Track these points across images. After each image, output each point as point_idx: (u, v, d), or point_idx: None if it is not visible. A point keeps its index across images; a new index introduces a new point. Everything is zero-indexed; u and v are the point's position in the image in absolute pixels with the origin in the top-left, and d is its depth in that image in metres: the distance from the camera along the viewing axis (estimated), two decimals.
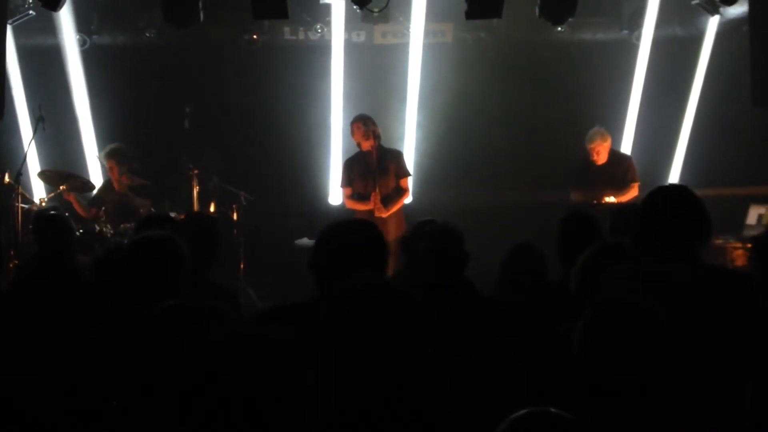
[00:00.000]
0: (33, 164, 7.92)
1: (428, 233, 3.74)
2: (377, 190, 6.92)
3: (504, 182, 8.49)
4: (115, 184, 7.54)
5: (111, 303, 3.28)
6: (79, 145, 8.39)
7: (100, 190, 7.68)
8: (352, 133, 7.11)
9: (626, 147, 8.26)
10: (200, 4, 6.86)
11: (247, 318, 3.70)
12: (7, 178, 6.96)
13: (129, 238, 4.52)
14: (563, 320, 2.79)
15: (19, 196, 6.89)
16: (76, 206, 7.39)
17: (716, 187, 6.61)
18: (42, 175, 7.59)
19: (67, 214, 5.64)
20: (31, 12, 7.80)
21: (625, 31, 8.42)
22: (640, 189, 7.19)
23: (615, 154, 7.51)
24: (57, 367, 2.44)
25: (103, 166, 7.92)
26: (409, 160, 7.95)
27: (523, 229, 6.15)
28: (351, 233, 2.76)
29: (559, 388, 2.21)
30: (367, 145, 7.01)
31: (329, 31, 8.34)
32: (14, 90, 8.04)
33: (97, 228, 6.94)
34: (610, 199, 7.04)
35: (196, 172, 7.54)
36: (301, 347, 1.75)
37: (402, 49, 8.45)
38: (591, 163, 7.35)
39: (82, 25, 8.28)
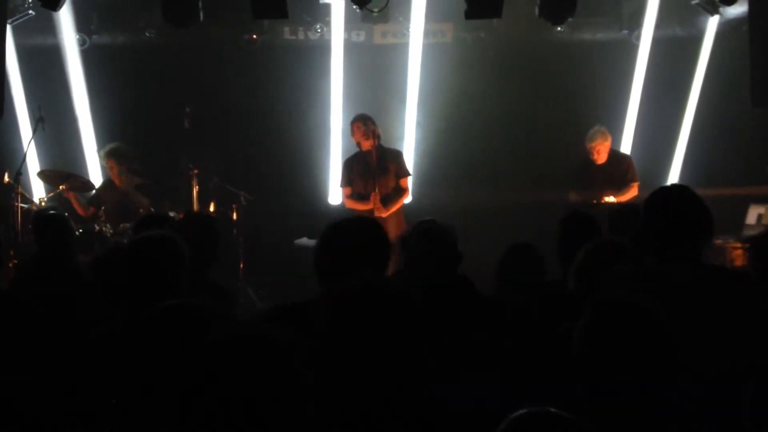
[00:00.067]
0: (33, 164, 7.92)
1: (422, 233, 3.74)
2: (377, 190, 6.92)
3: (504, 182, 8.49)
4: (117, 182, 7.54)
5: (111, 303, 3.28)
6: (78, 145, 8.39)
7: (99, 189, 7.68)
8: (352, 132, 7.11)
9: (626, 147, 8.26)
10: (200, 4, 6.87)
11: (248, 318, 3.70)
12: (6, 178, 6.95)
13: (128, 238, 4.53)
14: (562, 320, 2.79)
15: (19, 196, 6.89)
16: (75, 204, 7.40)
17: (716, 187, 6.61)
18: (42, 174, 7.59)
19: (66, 214, 5.62)
20: (30, 12, 7.80)
21: (625, 31, 8.42)
22: (640, 189, 7.20)
23: (615, 154, 7.51)
24: (57, 367, 2.43)
25: (102, 166, 7.92)
26: (409, 159, 7.95)
27: (523, 229, 6.15)
28: (354, 232, 2.76)
29: (559, 388, 2.21)
30: (366, 145, 7.01)
31: (329, 30, 8.34)
32: (14, 90, 8.04)
33: (97, 228, 6.94)
34: (610, 198, 7.04)
35: (195, 171, 7.53)
36: (301, 347, 1.74)
37: (402, 48, 8.45)
38: (591, 163, 7.35)
39: (82, 25, 8.28)
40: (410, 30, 8.29)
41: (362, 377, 1.97)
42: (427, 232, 3.85)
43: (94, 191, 7.64)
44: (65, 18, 8.07)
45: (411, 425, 1.97)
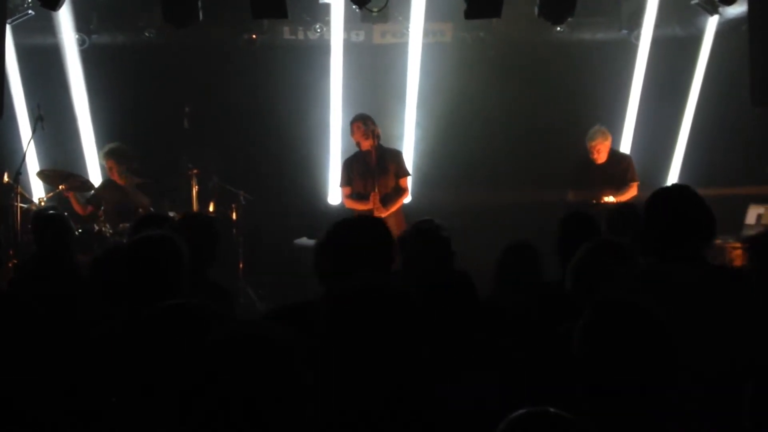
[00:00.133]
0: (32, 164, 7.92)
1: (419, 233, 3.75)
2: (376, 190, 6.92)
3: (503, 182, 8.49)
4: (117, 181, 7.55)
5: (111, 303, 3.28)
6: (78, 145, 8.39)
7: (98, 188, 7.68)
8: (352, 132, 7.11)
9: (625, 146, 8.27)
10: (199, 4, 6.87)
11: (248, 318, 3.70)
12: (6, 178, 6.95)
13: (127, 238, 4.53)
14: (562, 320, 2.79)
15: (18, 196, 6.89)
16: (73, 203, 7.41)
17: (715, 187, 6.60)
18: (41, 174, 7.59)
19: (66, 213, 5.62)
20: (30, 12, 7.80)
21: (625, 31, 8.42)
22: (640, 189, 7.20)
23: (614, 154, 7.51)
24: (57, 367, 2.43)
25: (102, 166, 7.92)
26: (409, 159, 7.96)
27: (522, 229, 6.14)
28: (361, 231, 2.76)
29: (559, 388, 2.21)
30: (366, 145, 7.01)
31: (328, 30, 8.34)
32: (13, 89, 8.04)
33: (96, 228, 6.94)
34: (609, 198, 7.04)
35: (195, 171, 7.53)
36: (301, 347, 1.75)
37: (401, 48, 8.45)
38: (591, 162, 7.35)
39: (82, 25, 8.27)
40: (410, 30, 8.29)
41: (362, 377, 1.97)
42: (424, 232, 3.86)
43: (93, 191, 7.64)
44: (65, 18, 8.06)
45: (411, 425, 1.97)
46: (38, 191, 8.13)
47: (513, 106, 8.45)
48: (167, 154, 8.09)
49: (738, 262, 6.75)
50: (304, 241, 7.76)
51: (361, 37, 8.64)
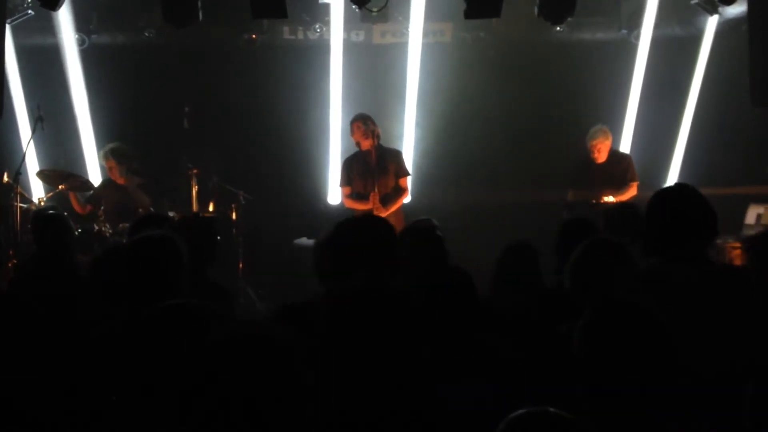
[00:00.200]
0: (32, 164, 7.92)
1: (415, 233, 3.75)
2: (376, 190, 6.91)
3: (503, 182, 8.50)
4: (117, 181, 7.55)
5: (111, 303, 3.28)
6: (78, 145, 8.39)
7: (98, 188, 7.68)
8: (352, 132, 7.11)
9: (625, 146, 8.27)
10: (199, 4, 6.87)
11: (248, 318, 3.70)
12: (6, 178, 6.95)
13: (127, 238, 4.52)
14: (561, 319, 2.79)
15: (18, 196, 6.89)
16: (73, 202, 7.41)
17: (715, 187, 6.59)
18: (41, 174, 7.59)
19: (66, 213, 5.62)
20: (30, 11, 7.79)
21: (624, 31, 8.42)
22: (639, 188, 7.20)
23: (615, 153, 7.52)
24: (57, 367, 2.43)
25: (102, 166, 7.92)
26: (408, 159, 7.96)
27: (522, 229, 6.15)
28: (356, 232, 2.76)
29: (559, 388, 2.21)
30: (366, 145, 7.01)
31: (328, 30, 8.34)
32: (13, 89, 8.03)
33: (96, 228, 6.94)
34: (609, 198, 7.04)
35: (195, 171, 7.53)
36: (301, 347, 1.75)
37: (401, 48, 8.45)
38: (591, 162, 7.36)
39: (81, 25, 8.27)
40: (409, 30, 8.29)
41: (362, 377, 1.98)
42: (420, 232, 3.86)
43: (92, 191, 7.64)
44: (64, 18, 8.06)
45: (411, 425, 1.97)
46: (38, 191, 8.13)
47: (513, 106, 8.45)
48: (167, 154, 8.09)
49: (737, 262, 6.75)
50: (304, 241, 7.76)
51: (361, 37, 8.64)
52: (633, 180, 7.29)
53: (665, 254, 2.99)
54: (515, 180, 8.47)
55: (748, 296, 2.94)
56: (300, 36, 8.62)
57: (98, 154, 7.96)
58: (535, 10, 6.91)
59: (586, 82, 8.26)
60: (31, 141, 7.38)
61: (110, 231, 6.95)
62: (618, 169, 7.35)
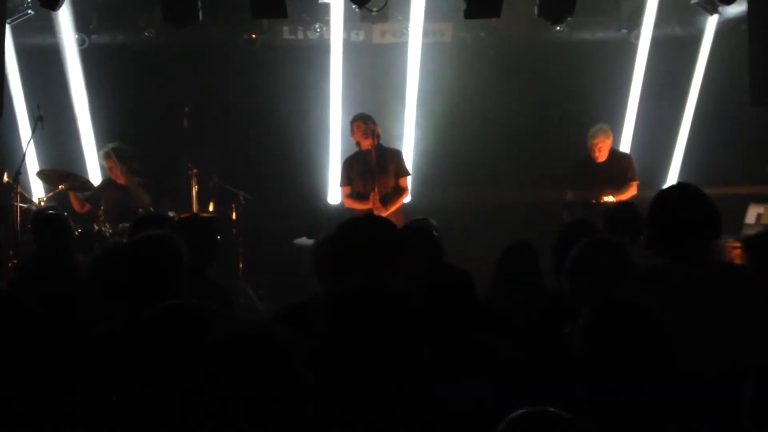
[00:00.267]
0: (32, 164, 7.92)
1: (412, 232, 3.74)
2: (376, 190, 6.91)
3: (503, 181, 8.49)
4: (117, 181, 7.55)
5: (111, 303, 3.28)
6: (78, 145, 8.39)
7: (98, 187, 7.69)
8: (352, 132, 7.11)
9: (625, 146, 8.27)
10: (199, 4, 6.87)
11: (249, 318, 3.70)
12: (6, 178, 6.95)
13: (127, 238, 4.53)
14: (561, 319, 2.79)
15: (18, 196, 6.89)
16: (73, 201, 7.42)
17: (715, 187, 6.58)
18: (41, 174, 7.59)
19: (66, 213, 5.62)
20: (30, 11, 7.79)
21: (624, 31, 8.42)
22: (639, 188, 7.20)
23: (615, 153, 7.52)
24: (57, 367, 2.43)
25: (102, 166, 7.92)
26: (408, 159, 7.96)
27: (522, 229, 6.15)
28: (356, 232, 2.76)
29: (559, 388, 2.21)
30: (366, 144, 7.01)
31: (328, 30, 8.34)
32: (13, 89, 8.04)
33: (96, 227, 6.94)
34: (609, 198, 7.04)
35: (195, 171, 7.54)
36: (301, 347, 1.75)
37: (401, 48, 8.45)
38: (591, 161, 7.35)
39: (81, 25, 8.27)
40: (409, 29, 8.29)
41: (362, 377, 1.98)
42: (417, 231, 3.87)
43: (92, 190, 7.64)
44: (64, 18, 8.06)
45: (411, 425, 1.97)
46: (38, 191, 8.13)
47: (513, 106, 8.44)
48: (167, 154, 8.09)
49: (737, 262, 6.76)
50: (304, 241, 7.76)
51: (361, 37, 8.64)
52: (633, 179, 7.29)
53: (666, 254, 2.99)
54: (515, 180, 8.46)
55: (748, 296, 2.94)
56: (300, 36, 8.62)
57: (98, 154, 7.96)
58: (535, 10, 6.91)
59: (586, 82, 8.26)
60: (31, 141, 7.38)
61: (110, 231, 6.95)
62: (618, 169, 7.35)
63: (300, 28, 8.55)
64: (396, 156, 7.24)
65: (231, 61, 8.65)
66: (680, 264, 2.97)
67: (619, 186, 7.21)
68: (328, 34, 8.35)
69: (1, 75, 6.77)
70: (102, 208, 7.24)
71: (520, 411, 1.65)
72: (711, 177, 7.54)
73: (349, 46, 8.48)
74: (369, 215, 5.74)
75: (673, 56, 8.30)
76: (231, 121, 8.64)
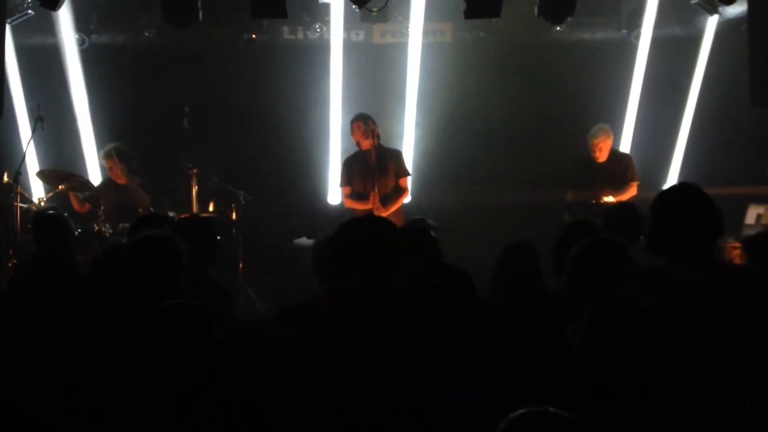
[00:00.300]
0: (32, 164, 7.92)
1: (410, 232, 3.74)
2: (376, 190, 6.91)
3: (503, 182, 8.49)
4: (117, 181, 7.55)
5: (111, 303, 3.28)
6: (78, 145, 8.39)
7: (98, 187, 7.69)
8: (352, 132, 7.11)
9: (625, 146, 8.27)
10: (199, 4, 6.87)
11: (249, 318, 3.70)
12: (6, 178, 6.95)
13: (127, 238, 4.53)
14: (560, 319, 2.79)
15: (18, 196, 6.89)
16: (73, 200, 7.42)
17: (715, 187, 6.58)
18: (41, 174, 7.59)
19: (66, 214, 5.62)
20: (30, 11, 7.80)
21: (624, 31, 8.42)
22: (639, 188, 7.20)
23: (615, 153, 7.52)
24: (57, 367, 2.43)
25: (102, 166, 7.92)
26: (408, 159, 7.96)
27: (522, 229, 6.15)
28: (356, 233, 2.76)
29: (559, 388, 2.21)
30: (366, 144, 7.01)
31: (328, 30, 8.34)
32: (13, 89, 8.04)
33: (96, 228, 6.94)
34: (609, 198, 7.04)
35: (195, 171, 7.54)
36: (301, 347, 1.75)
37: (401, 48, 8.45)
38: (591, 161, 7.35)
39: (81, 25, 8.27)
40: (409, 29, 8.29)
41: (362, 377, 1.98)
42: (416, 231, 3.87)
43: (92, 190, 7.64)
44: (64, 18, 8.06)
45: (411, 425, 1.97)
46: (38, 191, 8.13)
47: (513, 106, 8.44)
48: (167, 154, 8.09)
49: (737, 262, 6.75)
50: (304, 241, 7.76)
51: (361, 37, 8.64)
52: (633, 180, 7.29)
53: (666, 254, 2.99)
54: (515, 180, 8.46)
55: (748, 296, 2.94)
56: (300, 36, 8.62)
57: (98, 154, 7.96)
58: (535, 10, 6.91)
59: (586, 82, 8.26)
60: (31, 141, 7.38)
61: (110, 231, 6.95)
62: (618, 169, 7.35)
63: (300, 28, 8.54)
64: (396, 156, 7.23)
65: (231, 61, 8.65)
66: (680, 264, 2.97)
67: (619, 186, 7.21)
68: (328, 34, 8.35)
69: (1, 75, 6.78)
70: (102, 208, 7.24)
71: (520, 411, 1.65)
72: (711, 177, 7.53)
73: (349, 46, 8.48)
74: (369, 215, 5.75)
75: (673, 56, 8.30)
76: (231, 121, 8.64)
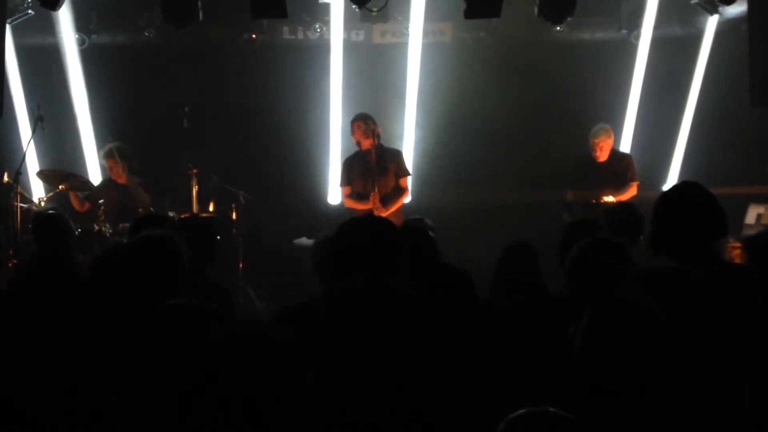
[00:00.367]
0: (32, 164, 7.92)
1: (409, 232, 3.74)
2: (376, 190, 6.91)
3: (503, 182, 8.49)
4: (118, 180, 7.55)
5: (111, 303, 3.28)
6: (78, 145, 8.39)
7: (98, 187, 7.69)
8: (353, 131, 7.11)
9: (625, 146, 8.27)
10: (199, 4, 6.88)
11: (249, 318, 3.70)
12: (6, 178, 6.96)
13: (127, 238, 4.53)
14: (560, 319, 2.78)
15: (18, 196, 6.89)
16: (73, 200, 7.42)
17: (715, 187, 6.58)
18: (41, 174, 7.59)
19: (66, 214, 5.62)
20: (30, 11, 7.80)
21: (624, 31, 8.43)
22: (639, 188, 7.20)
23: (615, 153, 7.52)
24: (57, 367, 2.43)
25: (102, 166, 7.93)
26: (408, 159, 7.96)
27: (522, 229, 6.16)
28: (356, 233, 2.76)
29: (559, 388, 2.21)
30: (366, 144, 7.01)
31: (328, 30, 8.34)
32: (13, 89, 8.04)
33: (96, 227, 6.94)
34: (609, 198, 7.04)
35: (195, 171, 7.54)
36: (301, 347, 1.75)
37: (401, 48, 8.45)
38: (591, 161, 7.35)
39: (81, 25, 8.27)
40: (409, 29, 8.29)
41: (362, 377, 1.97)
42: (414, 231, 3.86)
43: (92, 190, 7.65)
44: (64, 17, 8.06)
45: (411, 425, 1.97)
46: (38, 191, 8.13)
47: (513, 106, 8.45)
48: (167, 153, 8.09)
49: (737, 262, 6.75)
50: (304, 241, 7.76)
51: (361, 37, 8.64)
52: (633, 180, 7.29)
53: (667, 254, 2.99)
54: (515, 180, 8.46)
55: (748, 296, 2.94)
56: (300, 36, 8.62)
57: (98, 153, 7.97)
58: (535, 10, 6.92)
59: (586, 82, 8.26)
60: (31, 141, 7.38)
61: (110, 231, 6.96)
62: (618, 169, 7.35)
63: (300, 28, 8.55)
64: (396, 156, 7.24)
65: (231, 61, 8.65)
66: (680, 264, 2.97)
67: (619, 186, 7.21)
68: (328, 34, 8.35)
69: (1, 75, 6.78)
70: (102, 207, 7.24)
71: (520, 411, 1.65)
72: (711, 177, 7.50)
73: (349, 46, 8.48)
74: (369, 215, 5.75)
75: (673, 56, 8.30)
76: (231, 121, 8.64)
